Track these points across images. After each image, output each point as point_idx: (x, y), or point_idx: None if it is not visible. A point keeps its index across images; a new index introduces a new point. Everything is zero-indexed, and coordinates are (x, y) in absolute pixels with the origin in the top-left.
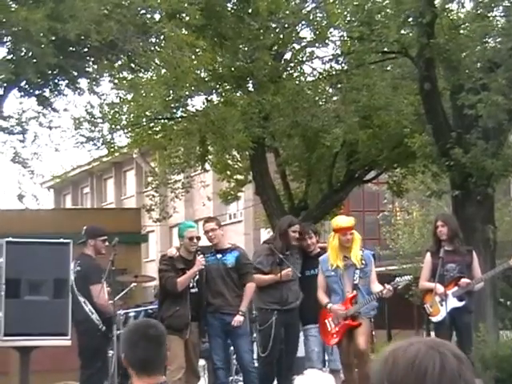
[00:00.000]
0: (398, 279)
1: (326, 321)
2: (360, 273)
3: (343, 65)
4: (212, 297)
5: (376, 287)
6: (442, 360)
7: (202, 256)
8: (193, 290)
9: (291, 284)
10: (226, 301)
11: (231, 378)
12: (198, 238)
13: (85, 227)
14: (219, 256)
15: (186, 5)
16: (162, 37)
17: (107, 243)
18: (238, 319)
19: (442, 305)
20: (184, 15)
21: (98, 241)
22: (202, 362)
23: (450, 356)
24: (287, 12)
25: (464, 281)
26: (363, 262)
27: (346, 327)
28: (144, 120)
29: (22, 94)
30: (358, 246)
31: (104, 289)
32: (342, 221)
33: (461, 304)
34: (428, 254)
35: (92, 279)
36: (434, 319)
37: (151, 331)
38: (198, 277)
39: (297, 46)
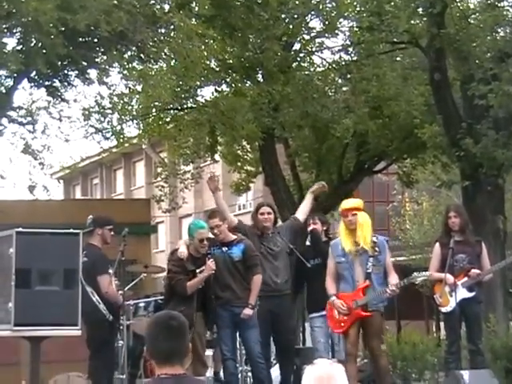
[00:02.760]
0: (415, 274)
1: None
2: (373, 260)
3: (353, 55)
4: (220, 290)
5: (392, 279)
6: None
7: (212, 260)
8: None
9: (277, 263)
10: (234, 294)
11: (240, 368)
12: (208, 239)
13: (91, 216)
14: (225, 249)
15: None
16: (171, 27)
17: (113, 233)
18: (247, 312)
19: (451, 295)
20: (193, 5)
21: (106, 230)
22: (209, 352)
23: None
24: (297, 2)
25: (474, 271)
26: (377, 248)
27: (356, 317)
28: (154, 110)
29: (32, 84)
30: (365, 229)
31: (112, 279)
32: (344, 202)
33: (471, 295)
34: (437, 245)
35: (99, 270)
36: (444, 310)
37: (172, 323)
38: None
39: (306, 37)
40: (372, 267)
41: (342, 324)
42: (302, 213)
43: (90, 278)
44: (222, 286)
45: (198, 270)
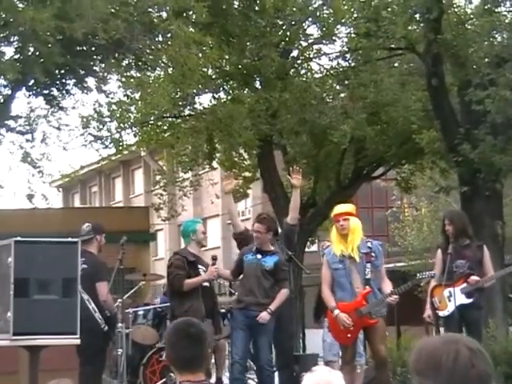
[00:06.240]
0: (418, 275)
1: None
2: (371, 266)
3: (350, 61)
4: (244, 294)
5: (386, 286)
6: (456, 351)
7: (216, 267)
8: (204, 284)
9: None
10: (255, 299)
11: (228, 374)
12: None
13: (89, 224)
14: (259, 256)
15: (192, 3)
16: (168, 35)
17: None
18: (264, 316)
19: (449, 300)
20: (191, 13)
21: (103, 237)
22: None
23: (464, 348)
24: (294, 9)
25: (473, 278)
26: (373, 254)
27: (361, 326)
28: (152, 118)
29: (30, 93)
30: (354, 235)
31: (107, 286)
32: (336, 207)
33: (469, 301)
34: (439, 251)
35: (99, 277)
36: (441, 314)
37: (192, 330)
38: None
39: (304, 43)
40: (370, 273)
41: (349, 335)
42: (291, 210)
43: (88, 285)
44: (247, 291)
45: (200, 266)
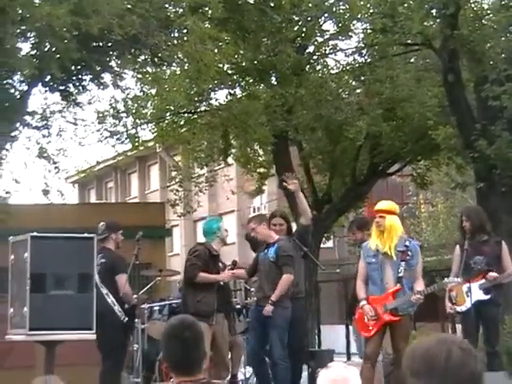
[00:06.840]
0: (446, 280)
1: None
2: (405, 265)
3: (366, 57)
4: (256, 290)
5: (417, 286)
6: (448, 350)
7: (233, 272)
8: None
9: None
10: (264, 294)
11: (243, 370)
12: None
13: (104, 223)
14: (266, 251)
15: None
16: (184, 30)
17: (123, 237)
18: (267, 309)
19: (467, 295)
20: (207, 8)
21: (119, 234)
22: None
23: (455, 347)
24: (310, 5)
25: (491, 275)
26: (409, 253)
27: (385, 322)
28: (168, 114)
29: (46, 89)
30: (391, 234)
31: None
32: (378, 204)
33: (486, 297)
34: (457, 247)
35: (118, 270)
36: (459, 309)
37: (186, 333)
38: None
39: (320, 39)
40: (403, 271)
41: (370, 328)
42: (302, 213)
43: (107, 279)
44: (258, 287)
45: (221, 265)
